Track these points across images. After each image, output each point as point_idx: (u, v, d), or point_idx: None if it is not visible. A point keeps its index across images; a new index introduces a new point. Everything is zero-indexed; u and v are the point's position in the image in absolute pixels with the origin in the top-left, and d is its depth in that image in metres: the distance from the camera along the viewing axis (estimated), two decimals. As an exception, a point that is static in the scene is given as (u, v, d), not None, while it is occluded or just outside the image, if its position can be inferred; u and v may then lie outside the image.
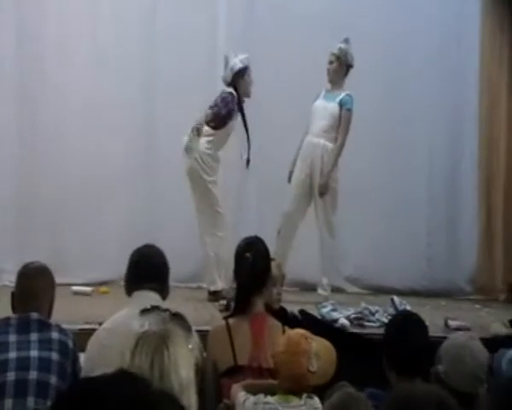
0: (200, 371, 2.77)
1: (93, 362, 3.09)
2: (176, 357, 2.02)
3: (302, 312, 4.85)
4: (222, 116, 5.76)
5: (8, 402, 2.99)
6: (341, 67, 5.97)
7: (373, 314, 5.25)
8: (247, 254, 3.51)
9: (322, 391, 2.86)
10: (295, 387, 2.89)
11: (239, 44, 6.40)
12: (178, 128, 5.91)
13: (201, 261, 6.04)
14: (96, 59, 6.67)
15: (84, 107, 6.60)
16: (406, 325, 3.04)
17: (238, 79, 5.83)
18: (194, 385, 2.04)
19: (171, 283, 3.51)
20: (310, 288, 6.43)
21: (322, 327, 4.58)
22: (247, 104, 5.98)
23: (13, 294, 3.27)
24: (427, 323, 3.14)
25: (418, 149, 7.15)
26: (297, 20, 6.80)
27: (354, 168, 6.84)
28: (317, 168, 5.91)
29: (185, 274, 6.32)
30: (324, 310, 5.21)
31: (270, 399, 2.92)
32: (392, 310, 5.31)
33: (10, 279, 4.81)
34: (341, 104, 5.91)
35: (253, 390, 3.02)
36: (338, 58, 5.96)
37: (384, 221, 6.99)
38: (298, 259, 6.07)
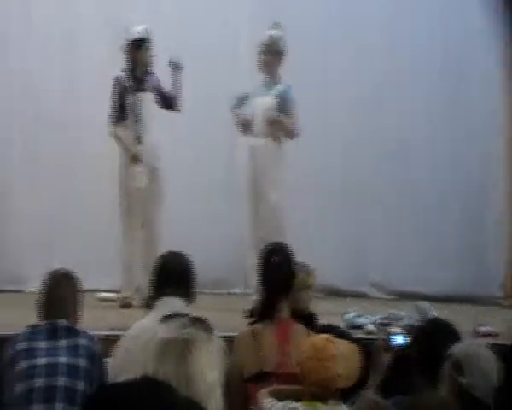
0: (225, 374, 2.76)
1: (119, 368, 3.11)
2: (200, 362, 2.02)
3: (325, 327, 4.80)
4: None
5: (37, 408, 3.01)
6: (273, 56, 5.56)
7: (399, 320, 5.21)
8: (274, 258, 3.51)
9: (347, 394, 2.85)
10: (323, 392, 2.88)
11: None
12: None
13: (228, 267, 6.04)
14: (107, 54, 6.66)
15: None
16: (436, 333, 3.01)
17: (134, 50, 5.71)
18: (220, 388, 2.04)
19: (198, 289, 3.51)
20: (335, 294, 6.40)
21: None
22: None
23: (40, 302, 3.29)
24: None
25: (444, 152, 7.09)
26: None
27: (380, 172, 6.83)
28: (261, 169, 5.58)
29: (212, 280, 6.33)
30: (349, 316, 5.18)
31: (296, 405, 2.91)
32: (418, 316, 5.26)
33: (36, 286, 4.85)
34: (279, 96, 5.55)
35: (279, 396, 3.01)
36: (268, 47, 5.57)
37: (410, 226, 6.94)
38: (320, 265, 6.02)
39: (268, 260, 3.54)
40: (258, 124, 5.63)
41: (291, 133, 5.58)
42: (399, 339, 3.30)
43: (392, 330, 4.91)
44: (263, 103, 5.62)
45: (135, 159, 5.69)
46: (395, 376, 3.22)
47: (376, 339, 3.35)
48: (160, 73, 5.90)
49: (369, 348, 3.27)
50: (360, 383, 2.88)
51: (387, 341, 3.29)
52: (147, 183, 5.75)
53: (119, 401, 1.40)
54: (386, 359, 3.24)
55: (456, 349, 2.78)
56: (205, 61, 6.61)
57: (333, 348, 2.88)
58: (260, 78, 5.70)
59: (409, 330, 4.86)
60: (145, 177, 5.73)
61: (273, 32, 5.62)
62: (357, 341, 4.45)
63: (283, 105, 5.59)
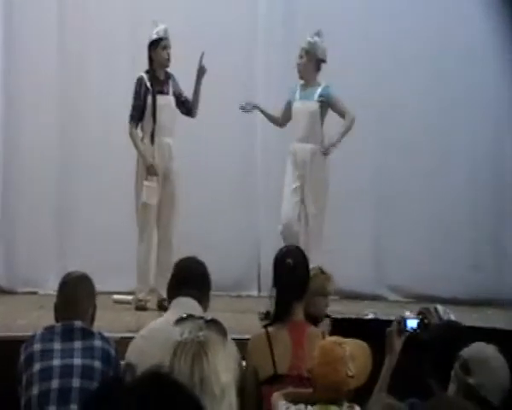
0: (238, 377, 2.77)
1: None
2: (215, 363, 2.02)
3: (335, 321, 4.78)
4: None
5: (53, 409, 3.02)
6: (311, 61, 5.77)
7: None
8: (289, 260, 3.50)
9: (360, 395, 2.84)
10: (335, 395, 2.87)
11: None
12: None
13: (242, 270, 6.04)
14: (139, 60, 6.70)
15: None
16: (450, 336, 3.00)
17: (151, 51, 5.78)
18: (234, 389, 2.05)
19: (212, 291, 3.52)
20: (353, 296, 6.38)
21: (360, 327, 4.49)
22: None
23: (55, 305, 3.31)
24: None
25: (463, 156, 7.05)
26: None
27: (398, 176, 6.80)
28: (308, 175, 5.74)
29: (225, 283, 6.33)
30: (366, 319, 5.15)
31: (310, 409, 2.90)
32: (435, 319, 5.22)
33: (54, 288, 4.88)
34: (323, 98, 5.73)
35: (293, 399, 3.00)
36: (307, 52, 5.76)
37: (428, 229, 6.90)
38: (338, 267, 6.01)
39: (282, 263, 3.53)
40: (301, 129, 5.75)
41: (352, 123, 5.76)
42: (413, 323, 3.30)
43: (406, 313, 4.89)
44: (305, 108, 5.75)
45: (150, 170, 5.71)
46: (407, 362, 3.23)
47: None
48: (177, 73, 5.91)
49: (382, 333, 3.26)
50: (373, 381, 2.87)
51: (401, 324, 3.29)
52: (159, 196, 5.75)
53: (120, 397, 1.40)
54: (399, 342, 3.25)
55: (466, 351, 2.77)
56: (221, 64, 6.62)
57: (340, 350, 2.87)
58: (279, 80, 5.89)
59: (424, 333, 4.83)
60: (156, 193, 5.73)
61: (315, 39, 5.78)
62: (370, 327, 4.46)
63: (329, 101, 5.75)
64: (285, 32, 6.93)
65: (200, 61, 5.80)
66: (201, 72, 5.82)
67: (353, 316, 5.08)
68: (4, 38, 6.74)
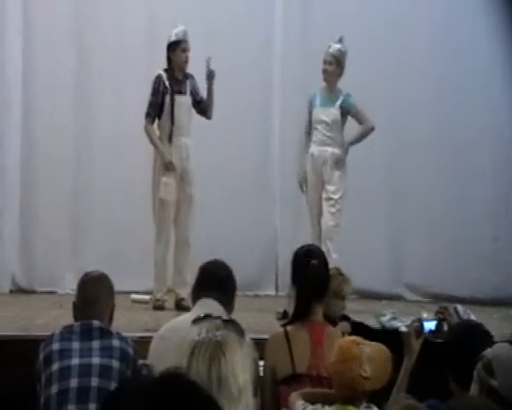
0: (253, 377, 2.76)
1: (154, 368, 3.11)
2: (233, 363, 2.02)
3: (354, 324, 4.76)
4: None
5: (71, 409, 3.03)
6: (339, 68, 5.81)
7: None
8: (314, 261, 3.48)
9: (378, 396, 2.82)
10: (350, 394, 2.86)
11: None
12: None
13: (259, 270, 6.04)
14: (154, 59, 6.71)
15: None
16: (470, 336, 2.97)
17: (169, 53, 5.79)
18: (250, 388, 2.04)
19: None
20: (371, 296, 6.35)
21: (378, 336, 4.49)
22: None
23: (74, 304, 3.32)
24: (493, 333, 3.06)
25: (480, 154, 7.00)
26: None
27: (416, 173, 6.76)
28: (325, 178, 5.80)
29: (242, 282, 6.31)
30: (384, 318, 5.13)
31: (328, 409, 2.89)
32: (455, 319, 5.18)
33: (72, 287, 4.91)
34: (344, 106, 5.79)
35: (311, 399, 3.00)
36: (336, 59, 5.78)
37: (447, 227, 6.87)
38: (355, 267, 5.99)
39: (304, 263, 3.51)
40: (321, 134, 5.80)
41: (370, 131, 5.86)
42: (430, 324, 3.28)
43: (425, 315, 4.87)
44: (326, 114, 5.81)
45: (168, 167, 5.72)
46: (425, 364, 3.21)
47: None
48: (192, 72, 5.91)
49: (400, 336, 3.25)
50: (392, 383, 2.86)
51: (419, 327, 3.27)
52: (176, 194, 5.76)
53: (136, 397, 1.39)
54: (417, 344, 3.23)
55: (489, 351, 2.74)
56: (239, 57, 6.63)
57: (356, 350, 2.86)
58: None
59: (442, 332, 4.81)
60: (174, 190, 5.75)
61: (340, 46, 5.81)
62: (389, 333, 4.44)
63: (350, 111, 5.84)
64: (301, 31, 6.93)
65: (208, 66, 5.80)
66: (210, 76, 5.83)
67: (372, 318, 5.05)
68: (23, 44, 6.78)
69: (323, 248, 5.25)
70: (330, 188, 5.79)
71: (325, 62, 5.80)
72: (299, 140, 6.01)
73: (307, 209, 5.93)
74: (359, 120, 5.88)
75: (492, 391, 2.68)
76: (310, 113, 5.91)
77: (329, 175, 5.81)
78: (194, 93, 5.90)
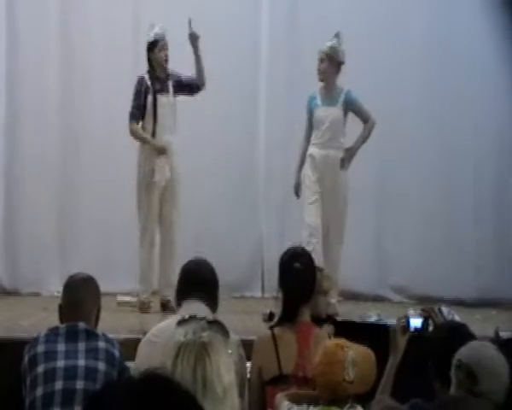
0: (239, 376, 2.77)
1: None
2: (218, 364, 2.03)
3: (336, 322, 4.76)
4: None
5: (56, 411, 3.03)
6: (332, 65, 5.73)
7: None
8: (297, 264, 3.49)
9: (364, 400, 2.84)
10: (333, 396, 2.87)
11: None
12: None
13: (244, 271, 6.04)
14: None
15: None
16: (453, 336, 2.99)
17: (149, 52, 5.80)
18: (236, 389, 2.05)
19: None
20: (356, 297, 6.36)
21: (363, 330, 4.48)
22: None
23: (60, 306, 3.31)
24: (477, 334, 3.08)
25: (466, 156, 7.04)
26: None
27: (401, 176, 6.79)
28: (328, 183, 5.73)
29: (229, 284, 6.33)
30: (370, 320, 5.15)
31: (313, 409, 2.90)
32: (439, 320, 5.21)
33: (57, 289, 4.89)
34: (347, 104, 5.73)
35: (296, 400, 3.01)
36: (328, 56, 5.70)
37: (432, 229, 6.89)
38: (344, 268, 6.01)
39: (290, 266, 3.52)
40: (323, 134, 5.72)
41: (373, 128, 5.82)
42: (417, 322, 3.31)
43: (410, 312, 4.89)
44: (329, 114, 5.73)
45: (161, 151, 5.70)
46: (411, 361, 3.22)
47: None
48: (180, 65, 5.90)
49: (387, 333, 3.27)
50: (378, 383, 2.87)
51: (405, 323, 3.29)
52: (168, 177, 5.73)
53: (117, 398, 1.40)
54: (403, 341, 3.25)
55: (466, 355, 2.74)
56: (225, 59, 6.63)
57: (341, 354, 2.86)
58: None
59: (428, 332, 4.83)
60: (168, 171, 5.73)
61: (334, 42, 5.73)
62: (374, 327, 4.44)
63: (353, 108, 5.77)
64: (289, 29, 6.94)
65: (189, 27, 5.77)
66: (193, 38, 5.80)
67: (357, 318, 5.07)
68: (7, 41, 6.74)
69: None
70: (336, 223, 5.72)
71: (318, 61, 5.75)
72: (299, 145, 5.89)
73: (306, 203, 5.75)
74: (361, 117, 5.78)
75: (478, 396, 2.70)
76: (310, 116, 5.80)
77: (329, 185, 5.69)
78: (178, 80, 5.85)
